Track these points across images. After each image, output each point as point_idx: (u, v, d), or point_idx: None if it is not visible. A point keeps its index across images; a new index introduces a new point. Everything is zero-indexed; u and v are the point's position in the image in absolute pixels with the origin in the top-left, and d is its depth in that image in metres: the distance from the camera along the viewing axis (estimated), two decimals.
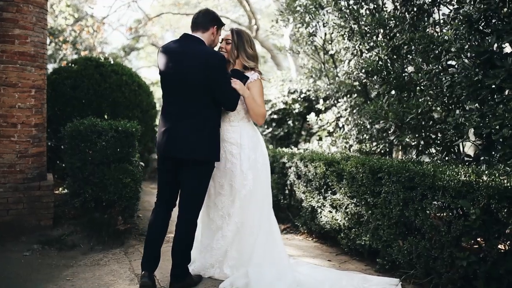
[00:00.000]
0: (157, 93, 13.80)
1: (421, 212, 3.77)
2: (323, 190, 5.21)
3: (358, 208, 4.63)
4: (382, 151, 5.80)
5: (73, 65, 7.70)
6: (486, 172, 3.41)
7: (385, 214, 4.22)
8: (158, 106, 9.42)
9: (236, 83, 3.70)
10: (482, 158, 4.02)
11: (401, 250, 4.02)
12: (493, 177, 3.32)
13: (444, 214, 3.53)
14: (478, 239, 3.44)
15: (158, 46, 18.68)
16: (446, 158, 4.47)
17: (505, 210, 3.19)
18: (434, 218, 3.71)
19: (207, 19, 3.69)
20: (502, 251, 3.24)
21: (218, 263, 3.98)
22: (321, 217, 5.17)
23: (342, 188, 4.83)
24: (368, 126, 5.89)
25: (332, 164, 5.05)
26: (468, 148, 4.84)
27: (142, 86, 8.38)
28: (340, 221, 4.88)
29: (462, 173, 3.47)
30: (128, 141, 5.08)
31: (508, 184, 3.20)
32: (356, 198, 4.64)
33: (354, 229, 4.68)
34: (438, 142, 4.80)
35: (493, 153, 3.91)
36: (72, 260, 4.58)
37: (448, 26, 4.54)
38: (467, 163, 4.29)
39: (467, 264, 3.38)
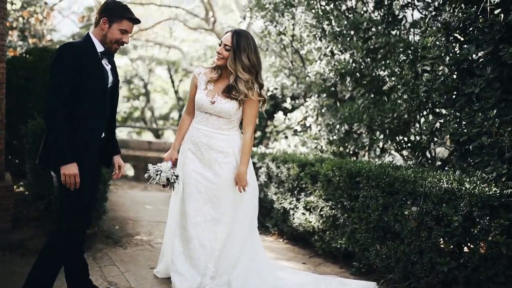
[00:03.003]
0: (122, 91, 13.34)
1: (401, 217, 3.80)
2: (296, 192, 5.19)
3: (333, 211, 4.64)
4: (351, 152, 5.84)
5: (27, 55, 7.28)
6: (468, 180, 3.47)
7: (362, 218, 4.24)
8: None
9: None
10: (457, 163, 4.11)
11: (379, 254, 4.05)
12: (474, 184, 3.39)
13: (427, 220, 3.57)
14: (459, 245, 3.51)
15: None
16: (419, 161, 4.54)
17: (487, 217, 3.27)
18: (412, 221, 3.74)
19: (99, 10, 3.18)
20: (483, 257, 3.32)
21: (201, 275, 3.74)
22: (293, 219, 5.14)
23: (317, 191, 4.82)
24: (338, 127, 5.91)
25: (306, 166, 5.02)
26: (439, 152, 4.94)
27: None
28: (314, 223, 4.87)
29: (444, 180, 3.53)
30: None
31: (490, 192, 3.28)
32: (331, 201, 4.64)
33: (329, 232, 4.68)
34: (410, 145, 4.87)
35: (469, 159, 4.00)
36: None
37: (424, 33, 4.59)
38: (440, 167, 4.39)
39: (447, 270, 3.44)
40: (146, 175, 3.62)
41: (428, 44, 4.23)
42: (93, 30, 3.21)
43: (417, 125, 4.74)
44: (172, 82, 21.39)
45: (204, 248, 3.65)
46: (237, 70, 3.49)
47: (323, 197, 4.74)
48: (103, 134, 3.32)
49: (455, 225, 3.34)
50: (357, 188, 4.32)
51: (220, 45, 3.57)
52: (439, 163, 4.51)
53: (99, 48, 3.18)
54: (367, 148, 5.78)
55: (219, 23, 17.76)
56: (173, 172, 3.57)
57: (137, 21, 3.20)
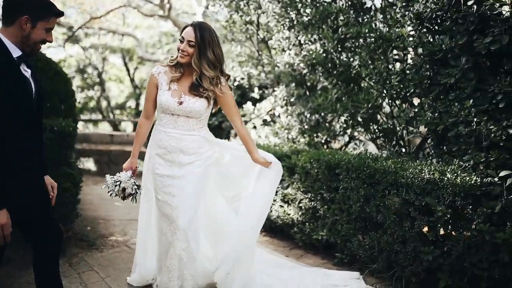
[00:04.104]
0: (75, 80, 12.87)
1: (383, 208, 3.86)
2: None
3: (313, 203, 4.66)
4: (323, 141, 5.88)
5: None
6: (448, 170, 3.55)
7: (343, 210, 4.28)
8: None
9: None
10: (434, 152, 4.19)
11: (362, 244, 4.11)
12: (455, 174, 3.48)
13: (410, 210, 3.63)
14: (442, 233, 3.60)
15: (60, 23, 17.35)
16: (396, 150, 4.61)
17: (470, 206, 3.37)
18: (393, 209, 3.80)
19: (13, 5, 2.53)
20: (467, 245, 3.42)
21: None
22: (271, 211, 5.14)
23: (295, 183, 4.83)
24: (308, 116, 5.92)
25: (281, 158, 5.01)
26: (412, 140, 5.02)
27: (59, 73, 7.71)
28: (293, 215, 4.88)
29: (426, 170, 3.59)
30: (65, 142, 4.64)
31: (472, 182, 3.37)
32: (310, 193, 4.66)
33: (309, 224, 4.71)
34: (383, 134, 4.93)
35: (445, 148, 4.09)
36: (11, 278, 4.11)
37: (395, 23, 4.62)
38: (415, 155, 4.48)
39: (432, 258, 3.53)
40: (103, 186, 3.33)
41: (403, 35, 4.26)
42: (1, 29, 2.57)
43: (390, 114, 4.80)
44: (128, 70, 20.85)
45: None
46: (202, 67, 3.26)
47: (301, 189, 4.76)
48: (39, 156, 2.80)
49: (438, 215, 3.42)
50: (336, 180, 4.35)
51: (181, 41, 3.27)
52: (415, 152, 4.58)
53: (15, 52, 2.54)
54: (338, 136, 5.84)
55: (174, 9, 17.39)
56: (134, 182, 3.29)
57: (62, 14, 2.68)
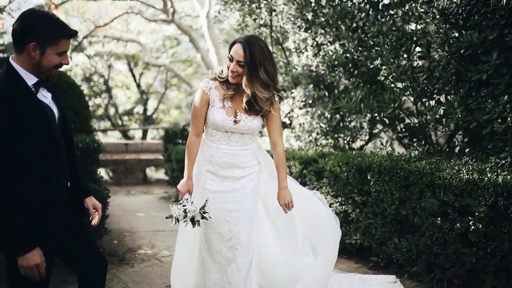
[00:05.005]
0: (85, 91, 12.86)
1: (420, 210, 3.79)
2: None
3: (343, 207, 4.60)
4: (345, 142, 5.82)
5: None
6: (488, 168, 3.48)
7: (377, 213, 4.22)
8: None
9: None
10: (467, 150, 4.12)
11: (398, 247, 4.04)
12: (495, 173, 3.40)
13: (449, 212, 3.56)
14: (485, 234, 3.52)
15: None
16: (427, 149, 4.53)
17: None
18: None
19: (20, 33, 2.33)
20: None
21: None
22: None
23: (323, 187, 4.77)
24: (329, 117, 5.86)
25: (309, 163, 4.96)
26: (438, 138, 4.94)
27: (72, 85, 7.69)
28: None
29: (464, 170, 3.52)
30: (91, 158, 4.61)
31: None
32: (340, 197, 4.60)
33: (342, 228, 4.62)
34: (410, 134, 4.85)
35: (477, 145, 4.02)
36: None
37: (417, 19, 4.55)
38: (445, 154, 4.40)
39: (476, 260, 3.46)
40: (170, 218, 3.00)
41: (430, 32, 4.18)
42: (14, 57, 2.38)
43: (417, 112, 4.72)
44: (133, 76, 20.85)
45: (240, 272, 3.27)
46: (254, 88, 3.01)
47: (331, 193, 4.70)
48: (68, 183, 2.60)
49: (480, 216, 3.35)
50: (367, 183, 4.29)
51: (231, 60, 3.05)
52: (446, 150, 4.50)
53: (30, 80, 2.38)
54: (361, 137, 5.78)
55: (177, 12, 17.33)
56: (201, 209, 3.00)
57: (75, 34, 2.44)
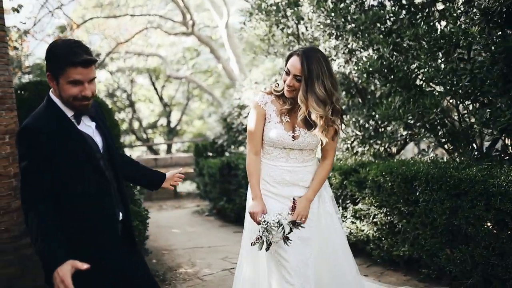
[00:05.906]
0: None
1: (474, 220, 3.63)
2: (340, 201, 4.99)
3: (389, 217, 4.45)
4: (382, 149, 5.67)
5: (22, 92, 6.90)
6: None
7: (426, 223, 4.06)
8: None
9: None
10: None
11: (451, 259, 3.88)
12: None
13: (507, 221, 3.40)
14: None
15: None
16: (473, 155, 4.36)
17: None
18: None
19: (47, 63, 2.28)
20: None
21: None
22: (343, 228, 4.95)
23: (366, 198, 4.63)
24: (365, 125, 5.72)
25: (349, 173, 4.83)
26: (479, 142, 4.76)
27: (102, 104, 7.75)
28: (368, 231, 4.69)
29: None
30: None
31: None
32: (385, 207, 4.45)
33: (387, 239, 4.50)
34: (452, 138, 4.68)
35: None
36: None
37: (455, 20, 4.40)
38: (490, 159, 4.22)
39: None
40: (257, 243, 2.83)
41: (473, 33, 4.02)
42: (52, 90, 2.34)
43: (460, 117, 4.56)
44: (155, 89, 21.02)
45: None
46: (309, 104, 2.83)
47: (374, 204, 4.56)
48: (121, 215, 2.52)
49: None
50: (414, 192, 4.14)
51: (287, 73, 2.90)
52: (494, 154, 4.32)
53: (69, 112, 2.32)
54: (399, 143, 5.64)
55: (196, 24, 17.39)
56: (289, 223, 2.87)
57: (89, 62, 2.23)
